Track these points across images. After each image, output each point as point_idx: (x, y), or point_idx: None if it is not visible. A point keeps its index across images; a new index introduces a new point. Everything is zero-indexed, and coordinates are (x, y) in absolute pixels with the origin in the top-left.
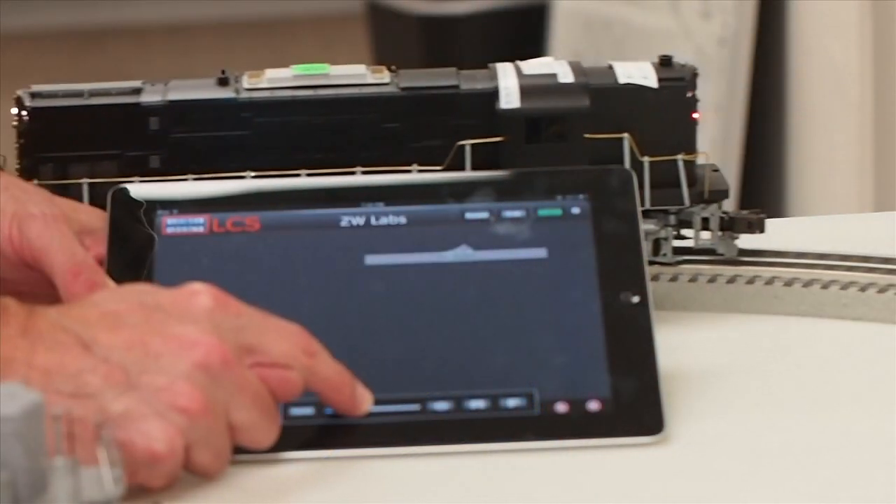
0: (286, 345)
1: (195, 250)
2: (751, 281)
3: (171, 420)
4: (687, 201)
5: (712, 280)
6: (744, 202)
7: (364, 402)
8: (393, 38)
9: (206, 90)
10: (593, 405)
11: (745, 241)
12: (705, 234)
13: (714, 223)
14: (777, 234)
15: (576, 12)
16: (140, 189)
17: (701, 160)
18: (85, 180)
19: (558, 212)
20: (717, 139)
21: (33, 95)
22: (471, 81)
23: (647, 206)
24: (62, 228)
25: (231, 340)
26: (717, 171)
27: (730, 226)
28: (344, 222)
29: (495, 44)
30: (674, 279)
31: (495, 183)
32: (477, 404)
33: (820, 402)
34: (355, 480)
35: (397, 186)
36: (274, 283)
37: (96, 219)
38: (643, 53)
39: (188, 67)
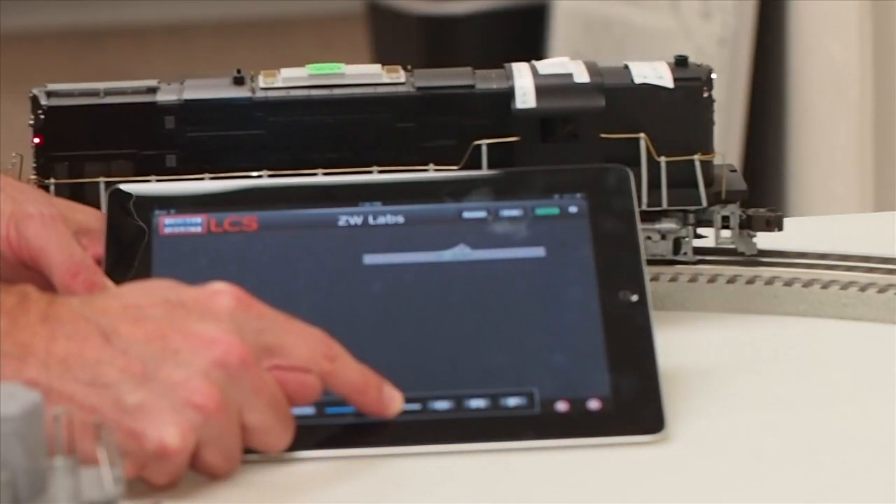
0: (306, 349)
1: (193, 250)
2: (751, 281)
3: (185, 416)
4: (704, 202)
5: (712, 280)
6: (744, 202)
7: (394, 402)
8: (393, 38)
9: (221, 89)
10: (593, 404)
11: None
12: (725, 233)
13: (734, 222)
14: (777, 234)
15: (576, 12)
16: (137, 189)
17: (717, 160)
18: (101, 179)
19: (556, 211)
20: (717, 139)
21: (49, 94)
22: (486, 81)
23: (665, 206)
24: (60, 228)
25: (251, 341)
26: (734, 171)
27: (747, 224)
28: (342, 222)
29: (495, 44)
30: (674, 279)
31: (493, 182)
32: (477, 403)
33: (820, 402)
34: (355, 480)
35: (395, 186)
36: (272, 282)
37: (94, 219)
38: (643, 53)
39: (188, 67)
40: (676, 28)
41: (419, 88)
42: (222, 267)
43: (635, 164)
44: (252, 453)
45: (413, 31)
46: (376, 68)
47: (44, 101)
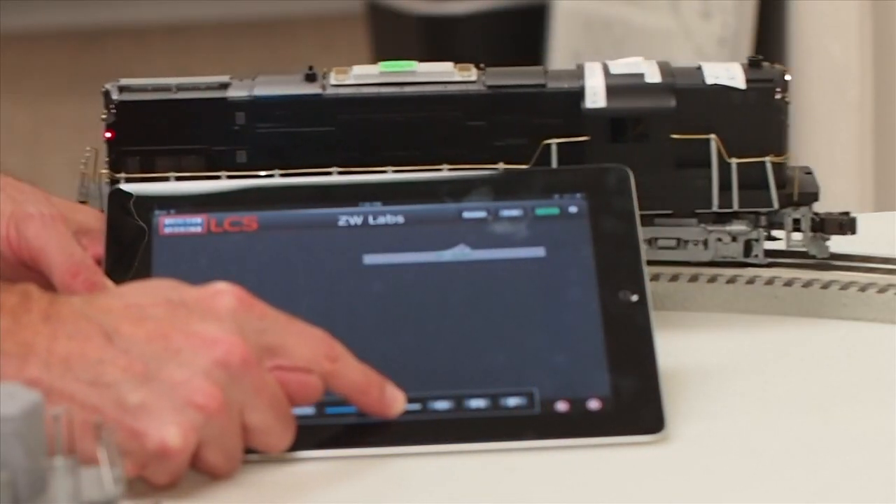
0: (308, 349)
1: (193, 250)
2: (751, 281)
3: (186, 415)
4: (776, 204)
5: (712, 280)
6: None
7: (396, 402)
8: (393, 38)
9: (292, 86)
10: (593, 404)
11: None
12: (797, 236)
13: (805, 224)
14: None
15: (576, 12)
16: (137, 189)
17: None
18: (171, 174)
19: (556, 211)
20: None
21: (121, 89)
22: (557, 80)
23: (735, 208)
24: (60, 228)
25: (253, 341)
26: (809, 173)
27: (820, 227)
28: (342, 222)
29: (495, 44)
30: (674, 279)
31: (493, 182)
32: (477, 403)
33: (820, 401)
34: (355, 480)
35: (395, 186)
36: (272, 282)
37: (94, 219)
38: (643, 53)
39: (188, 67)
40: (676, 28)
41: (490, 87)
42: (222, 267)
43: (706, 166)
44: (253, 453)
45: (413, 31)
46: (448, 66)
47: (115, 96)
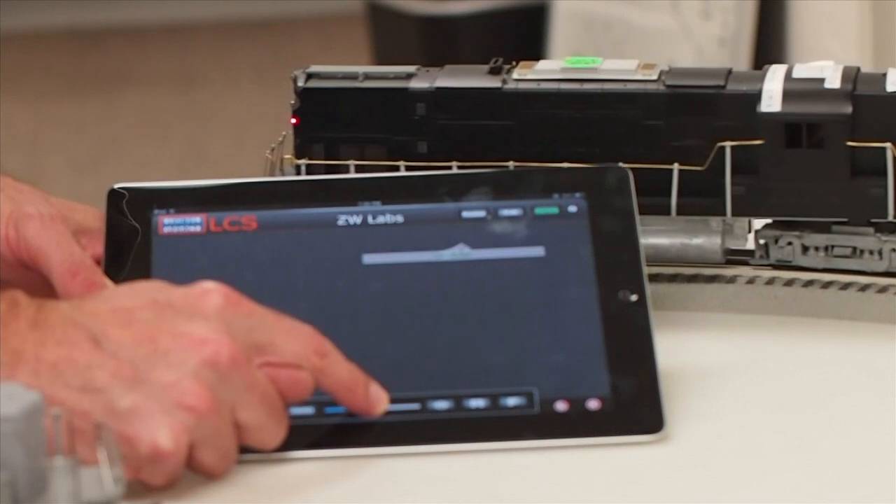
0: (297, 345)
1: (192, 250)
2: (751, 281)
3: (177, 417)
4: None
5: (712, 280)
6: None
7: (379, 401)
8: (393, 38)
9: (473, 78)
10: (593, 404)
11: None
12: None
13: None
14: None
15: (576, 12)
16: (137, 188)
17: None
18: (351, 162)
19: (555, 210)
20: None
21: (309, 76)
22: (737, 83)
23: None
24: (59, 228)
25: (241, 339)
26: None
27: None
28: (341, 221)
29: (495, 44)
30: (673, 279)
31: (492, 181)
32: (476, 403)
33: (819, 402)
34: (355, 480)
35: (394, 185)
36: (271, 282)
37: (93, 218)
38: (643, 53)
39: (188, 67)
40: (676, 28)
41: (669, 87)
42: (222, 266)
43: (883, 174)
44: (252, 453)
45: (413, 31)
46: (631, 64)
47: (301, 83)
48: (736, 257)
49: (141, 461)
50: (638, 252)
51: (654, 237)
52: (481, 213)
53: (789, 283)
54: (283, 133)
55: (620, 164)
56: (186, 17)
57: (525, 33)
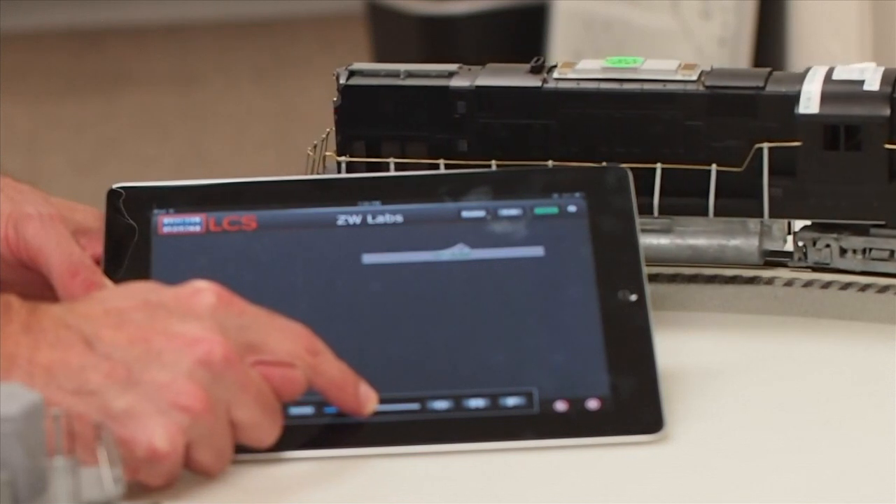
0: (290, 343)
1: (192, 250)
2: (751, 281)
3: (172, 418)
4: None
5: (712, 280)
6: None
7: (369, 401)
8: (393, 38)
9: (514, 77)
10: (592, 404)
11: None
12: None
13: None
14: None
15: (576, 12)
16: (136, 188)
17: None
18: (391, 160)
19: (555, 210)
20: None
21: (351, 73)
22: (777, 84)
23: None
24: (59, 228)
25: (234, 338)
26: None
27: None
28: (341, 221)
29: (495, 44)
30: (673, 279)
31: (492, 181)
32: (476, 403)
33: (819, 402)
34: (355, 480)
35: (394, 185)
36: (271, 282)
37: (92, 218)
38: (643, 53)
39: (188, 67)
40: (676, 28)
41: (708, 87)
42: (221, 266)
43: None
44: (250, 453)
45: (413, 31)
46: (672, 64)
47: (343, 80)
48: (774, 259)
49: (138, 462)
50: (638, 252)
51: (692, 238)
52: (481, 213)
53: (789, 283)
54: (327, 130)
55: (659, 164)
56: (186, 17)
57: (525, 33)
